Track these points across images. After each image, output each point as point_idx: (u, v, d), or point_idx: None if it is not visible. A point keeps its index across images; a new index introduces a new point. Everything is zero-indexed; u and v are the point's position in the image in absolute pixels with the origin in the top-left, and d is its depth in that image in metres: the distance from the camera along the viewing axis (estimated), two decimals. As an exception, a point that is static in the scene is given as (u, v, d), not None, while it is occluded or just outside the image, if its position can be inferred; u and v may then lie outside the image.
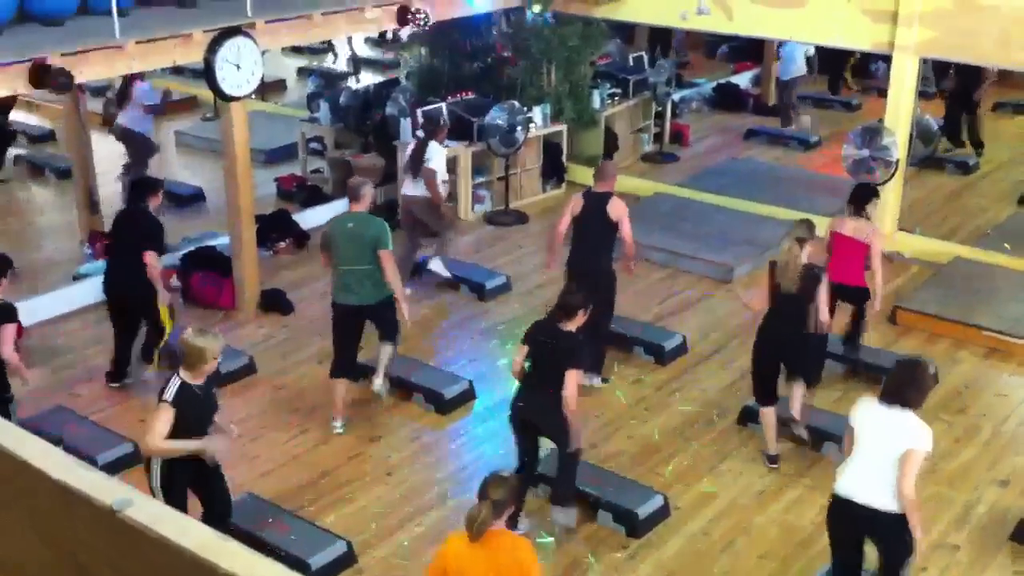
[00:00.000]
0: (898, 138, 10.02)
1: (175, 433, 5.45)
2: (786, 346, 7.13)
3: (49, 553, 2.07)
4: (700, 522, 6.80)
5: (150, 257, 7.77)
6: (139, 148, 11.74)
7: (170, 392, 5.47)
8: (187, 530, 1.79)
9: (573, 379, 6.13)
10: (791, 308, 7.00)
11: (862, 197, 8.13)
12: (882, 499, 5.23)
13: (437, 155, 9.67)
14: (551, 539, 6.55)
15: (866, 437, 5.30)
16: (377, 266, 7.32)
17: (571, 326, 6.28)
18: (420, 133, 9.99)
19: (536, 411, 6.36)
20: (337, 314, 7.56)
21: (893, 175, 10.09)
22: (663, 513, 6.78)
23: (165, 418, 5.43)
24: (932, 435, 5.21)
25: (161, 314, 8.04)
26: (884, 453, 5.20)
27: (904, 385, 5.26)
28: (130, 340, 8.22)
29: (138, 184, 8.53)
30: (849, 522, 5.46)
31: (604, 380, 8.36)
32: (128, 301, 8.04)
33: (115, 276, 8.08)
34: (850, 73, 16.86)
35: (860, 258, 7.99)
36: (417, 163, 9.60)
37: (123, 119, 11.63)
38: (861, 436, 5.33)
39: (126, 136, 11.73)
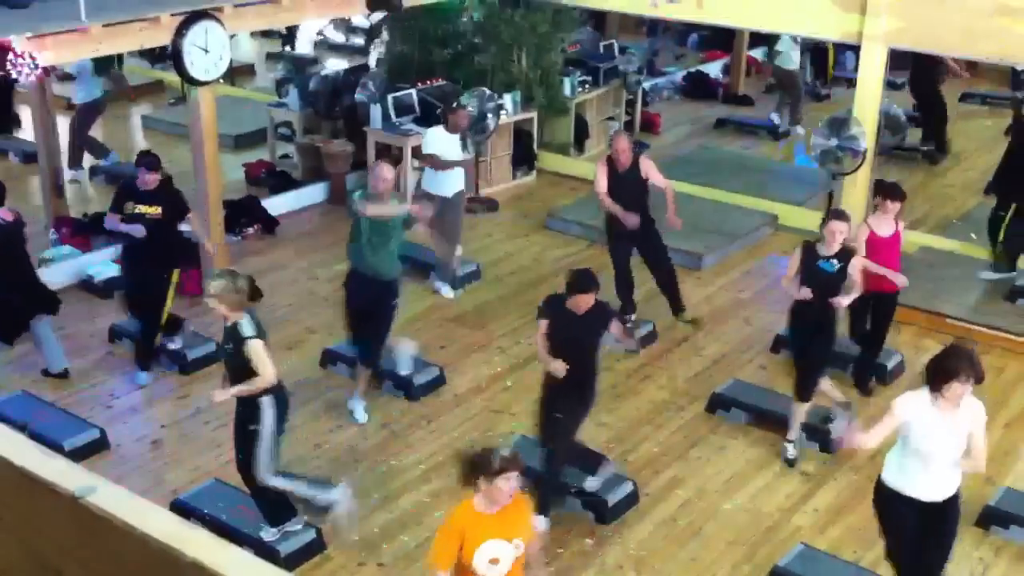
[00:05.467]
0: (866, 128, 10.07)
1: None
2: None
3: (9, 541, 2.04)
4: (669, 508, 6.83)
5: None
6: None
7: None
8: (151, 517, 1.77)
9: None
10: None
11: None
12: None
13: (432, 139, 9.48)
14: None
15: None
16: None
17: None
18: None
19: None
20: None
21: (861, 165, 10.13)
22: (632, 499, 6.81)
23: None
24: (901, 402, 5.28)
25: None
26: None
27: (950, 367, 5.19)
28: None
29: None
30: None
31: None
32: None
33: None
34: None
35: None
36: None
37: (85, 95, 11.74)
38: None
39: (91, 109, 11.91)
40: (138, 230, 7.76)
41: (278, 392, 5.95)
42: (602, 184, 8.69)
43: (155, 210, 7.81)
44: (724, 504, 6.88)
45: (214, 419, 7.38)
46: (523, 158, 12.55)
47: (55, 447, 6.89)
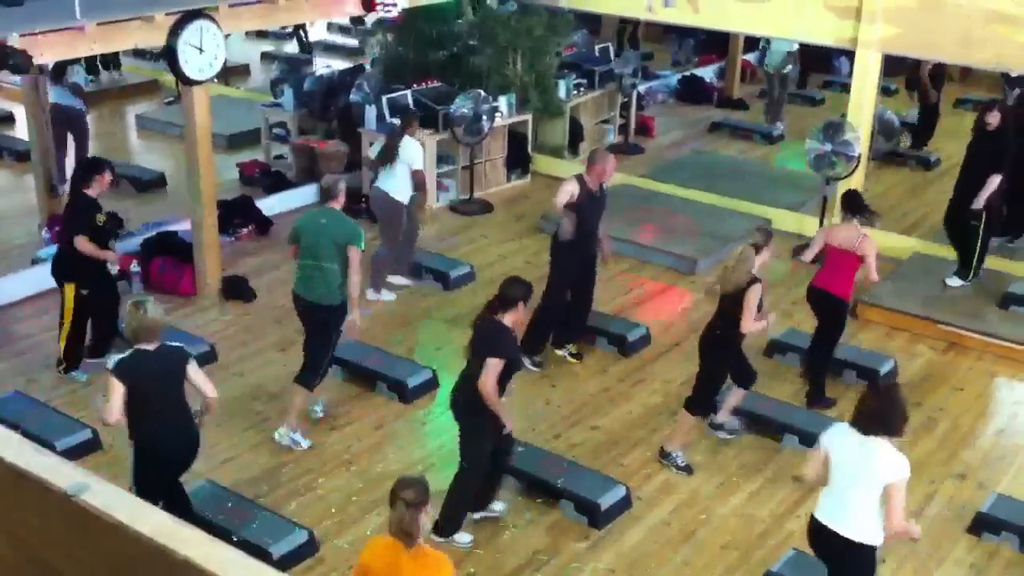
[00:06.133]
0: (860, 133, 10.09)
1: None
2: (705, 346, 7.17)
3: (1, 538, 2.03)
4: (662, 512, 6.82)
5: (77, 242, 7.64)
6: (75, 126, 11.60)
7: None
8: (143, 516, 1.76)
9: (491, 368, 5.95)
10: (721, 309, 7.04)
11: (852, 205, 7.84)
12: (851, 529, 5.10)
13: (413, 149, 9.34)
14: (468, 540, 6.46)
15: (844, 468, 5.08)
16: (342, 268, 7.08)
17: (506, 318, 6.15)
18: (396, 121, 9.69)
19: (454, 402, 6.37)
20: (297, 306, 7.40)
21: (855, 170, 10.16)
22: (625, 503, 6.80)
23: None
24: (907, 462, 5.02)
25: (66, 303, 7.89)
26: (865, 485, 5.02)
27: (886, 412, 5.02)
28: (91, 319, 8.11)
29: (81, 168, 8.34)
30: (823, 543, 5.30)
31: (537, 365, 8.41)
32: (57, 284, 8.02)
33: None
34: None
35: (849, 269, 7.73)
36: (391, 156, 9.30)
37: (55, 96, 11.50)
38: (838, 466, 5.10)
39: (60, 114, 11.56)
40: (114, 258, 7.78)
41: (141, 442, 5.74)
42: (563, 199, 8.07)
43: (103, 216, 7.85)
44: (717, 508, 6.88)
45: (206, 420, 7.34)
46: (517, 160, 12.55)
47: (48, 447, 6.86)
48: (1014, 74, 9.74)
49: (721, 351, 7.10)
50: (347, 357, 8.25)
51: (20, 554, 2.00)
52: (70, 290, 7.84)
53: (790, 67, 14.81)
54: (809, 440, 7.42)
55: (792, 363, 8.54)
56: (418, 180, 9.35)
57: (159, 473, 5.83)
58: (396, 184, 9.33)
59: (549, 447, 7.36)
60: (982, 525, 6.68)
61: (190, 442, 5.86)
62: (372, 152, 9.72)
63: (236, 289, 9.50)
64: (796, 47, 14.47)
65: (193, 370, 5.71)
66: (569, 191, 8.06)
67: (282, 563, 6.08)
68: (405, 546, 4.36)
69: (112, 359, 5.67)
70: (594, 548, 6.47)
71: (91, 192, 7.71)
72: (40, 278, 9.32)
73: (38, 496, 1.85)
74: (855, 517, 5.08)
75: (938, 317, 9.20)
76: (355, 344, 8.37)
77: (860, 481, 5.02)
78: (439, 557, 4.46)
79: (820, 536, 5.26)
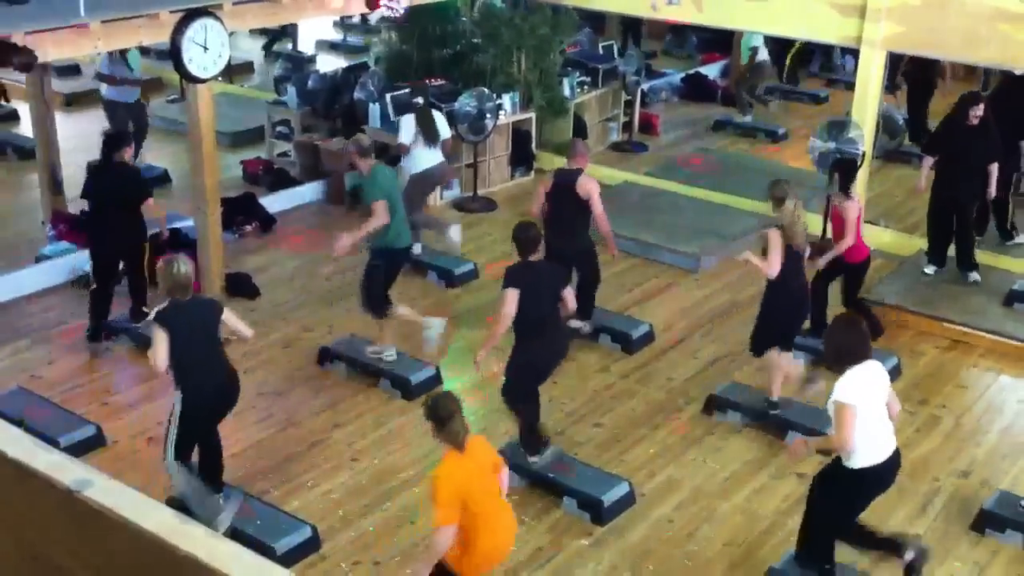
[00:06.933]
0: (864, 131, 10.08)
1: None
2: (806, 302, 7.70)
3: (2, 534, 2.03)
4: (665, 509, 6.83)
5: (154, 203, 8.45)
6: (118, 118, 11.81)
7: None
8: (146, 512, 1.76)
9: (569, 294, 6.87)
10: (801, 266, 7.47)
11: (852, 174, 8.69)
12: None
13: (444, 121, 10.32)
14: None
15: (875, 402, 5.59)
16: None
17: (535, 257, 6.76)
18: (419, 101, 10.21)
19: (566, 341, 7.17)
20: (400, 259, 8.27)
21: (859, 168, 10.14)
22: (628, 500, 6.81)
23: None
24: None
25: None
26: (882, 401, 5.67)
27: (861, 342, 5.62)
28: (105, 287, 8.44)
29: (112, 138, 8.60)
30: (895, 471, 5.79)
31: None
32: (125, 253, 8.42)
33: (114, 231, 8.27)
34: (791, 63, 16.87)
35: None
36: (432, 132, 9.99)
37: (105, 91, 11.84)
38: (872, 404, 5.55)
39: (107, 107, 11.89)
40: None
41: (185, 386, 6.07)
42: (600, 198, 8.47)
43: None
44: (720, 506, 6.88)
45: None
46: (521, 158, 12.55)
47: (51, 443, 6.87)
48: (1017, 72, 9.71)
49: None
50: (350, 353, 8.27)
51: (22, 551, 2.01)
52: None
53: (765, 59, 14.85)
54: (811, 436, 7.43)
55: (798, 359, 8.52)
56: (448, 147, 10.34)
57: (200, 418, 6.22)
58: (435, 156, 10.11)
59: (552, 443, 7.35)
60: (986, 522, 6.67)
61: (228, 388, 6.30)
62: (404, 137, 10.08)
63: (240, 286, 9.51)
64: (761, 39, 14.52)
65: (228, 315, 6.25)
66: (598, 191, 8.38)
67: (285, 559, 6.10)
68: (468, 442, 5.13)
69: (154, 311, 6.02)
70: (597, 545, 6.48)
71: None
72: (44, 275, 9.36)
73: (40, 492, 1.86)
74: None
75: (942, 315, 9.19)
76: (358, 340, 8.39)
77: (884, 400, 5.68)
78: (479, 439, 5.43)
79: (894, 468, 5.73)
